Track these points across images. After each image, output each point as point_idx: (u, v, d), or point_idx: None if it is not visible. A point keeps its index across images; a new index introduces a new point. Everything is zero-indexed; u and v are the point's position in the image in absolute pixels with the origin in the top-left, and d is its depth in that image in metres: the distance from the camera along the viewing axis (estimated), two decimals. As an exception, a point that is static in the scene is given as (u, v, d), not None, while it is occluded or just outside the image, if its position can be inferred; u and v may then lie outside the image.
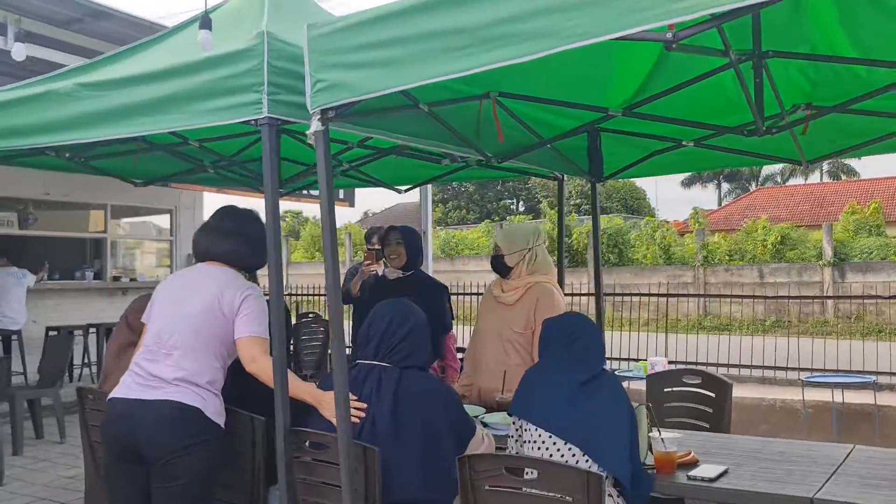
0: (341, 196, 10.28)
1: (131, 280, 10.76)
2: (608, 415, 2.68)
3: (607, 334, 9.93)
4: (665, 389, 4.13)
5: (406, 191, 5.48)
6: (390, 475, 2.65)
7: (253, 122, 2.70)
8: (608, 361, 9.30)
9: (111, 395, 2.91)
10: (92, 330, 9.59)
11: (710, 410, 3.92)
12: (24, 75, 4.51)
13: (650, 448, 2.85)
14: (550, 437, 2.67)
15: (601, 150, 4.46)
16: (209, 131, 3.83)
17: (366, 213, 46.16)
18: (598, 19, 1.96)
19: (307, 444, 2.79)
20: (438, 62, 2.30)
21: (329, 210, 2.58)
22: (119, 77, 3.08)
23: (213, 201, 12.79)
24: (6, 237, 9.73)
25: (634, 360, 9.08)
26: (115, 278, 10.70)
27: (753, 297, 12.50)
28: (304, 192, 6.95)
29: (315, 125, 2.54)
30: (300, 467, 2.78)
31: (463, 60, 2.25)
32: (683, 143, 4.02)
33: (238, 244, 3.10)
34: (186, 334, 2.88)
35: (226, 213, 3.22)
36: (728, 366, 9.13)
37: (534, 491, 2.33)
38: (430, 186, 9.14)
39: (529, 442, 2.73)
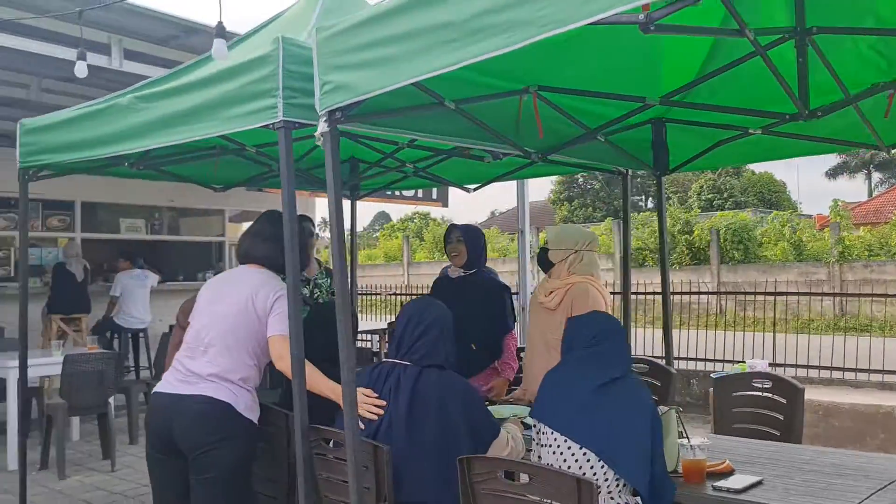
0: (434, 196, 10.36)
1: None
2: (627, 420, 2.56)
3: (723, 334, 9.57)
4: (734, 394, 3.89)
5: (475, 190, 5.45)
6: (403, 475, 2.64)
7: (270, 126, 2.78)
8: (716, 363, 8.86)
9: (154, 390, 3.08)
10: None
11: (781, 417, 3.66)
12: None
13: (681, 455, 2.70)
14: (566, 441, 2.58)
15: (667, 143, 4.27)
16: (262, 137, 3.97)
17: (492, 213, 46.24)
18: (565, 7, 1.88)
19: (331, 442, 2.83)
20: (429, 58, 2.28)
21: (337, 209, 2.59)
22: (164, 89, 3.26)
23: (324, 204, 13.21)
24: (136, 242, 10.50)
25: (740, 361, 8.57)
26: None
27: (885, 295, 11.47)
28: (389, 192, 7.04)
29: (322, 126, 2.58)
30: (323, 465, 2.83)
31: (452, 54, 2.23)
32: (750, 130, 3.77)
33: (275, 248, 3.20)
34: (222, 332, 3.00)
35: (267, 217, 3.33)
36: (856, 371, 8.39)
37: (530, 496, 2.26)
38: (527, 183, 9.05)
39: (546, 446, 2.65)
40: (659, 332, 8.38)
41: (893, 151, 3.59)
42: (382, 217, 62.49)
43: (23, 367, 4.51)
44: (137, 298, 9.38)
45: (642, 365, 4.08)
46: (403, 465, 2.65)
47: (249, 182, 5.26)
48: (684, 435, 2.70)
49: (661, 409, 2.74)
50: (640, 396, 2.64)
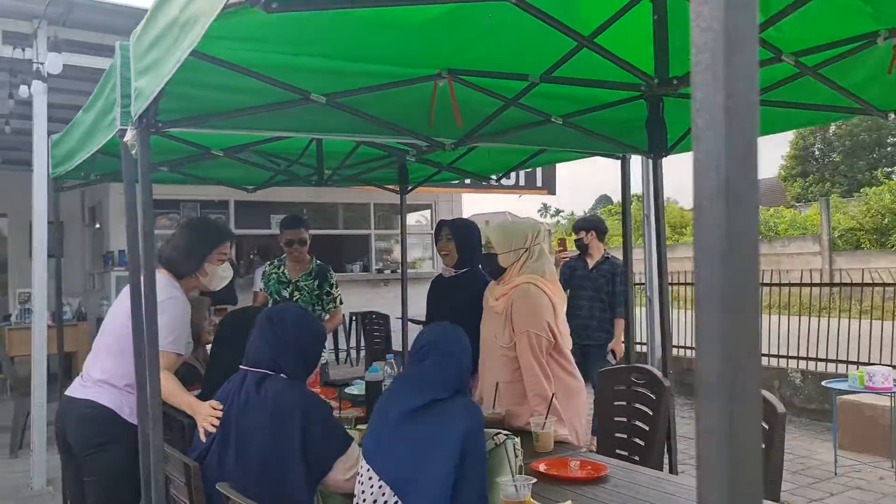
0: (539, 184, 9.86)
1: (392, 272, 11.63)
2: (430, 450, 2.24)
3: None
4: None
5: (499, 179, 5.11)
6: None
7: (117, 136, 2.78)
8: (841, 365, 7.53)
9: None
10: (353, 317, 10.63)
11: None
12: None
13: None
14: (369, 470, 2.31)
15: (664, 120, 3.68)
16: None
17: (601, 197, 43.14)
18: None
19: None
20: (173, 56, 2.15)
21: (144, 216, 2.53)
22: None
23: (470, 200, 13.17)
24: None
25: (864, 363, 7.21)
26: (379, 270, 11.67)
27: None
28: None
29: (129, 134, 2.53)
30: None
31: (179, 50, 2.08)
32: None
33: (175, 252, 3.22)
34: (111, 338, 3.09)
35: (182, 223, 3.36)
36: None
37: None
38: (638, 161, 8.38)
39: (359, 475, 2.39)
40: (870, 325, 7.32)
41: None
42: (604, 201, 61.32)
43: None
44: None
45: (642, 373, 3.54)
46: (224, 480, 2.53)
47: (269, 184, 5.37)
48: (512, 471, 2.30)
49: (496, 439, 2.36)
50: (454, 423, 2.29)
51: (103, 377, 3.04)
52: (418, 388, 2.37)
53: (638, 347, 9.38)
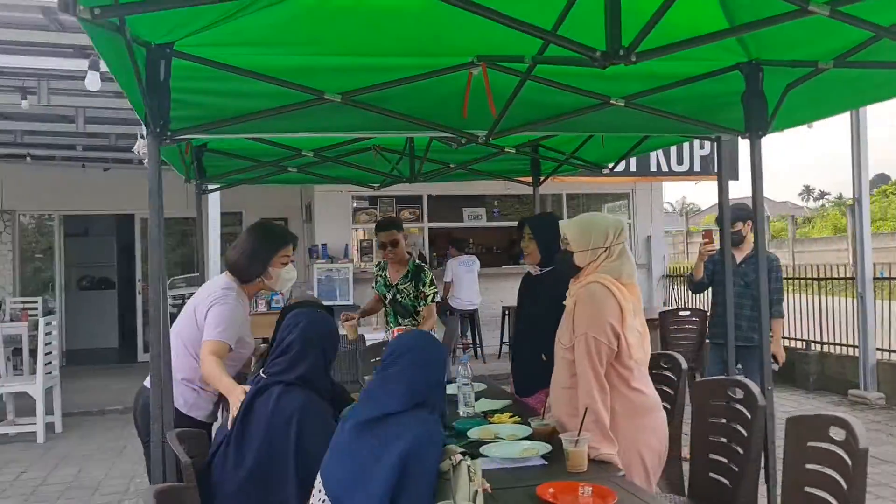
0: (715, 168, 8.74)
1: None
2: (371, 466, 2.11)
3: None
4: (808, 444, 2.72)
5: (612, 169, 4.68)
6: (218, 490, 2.59)
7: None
8: None
9: None
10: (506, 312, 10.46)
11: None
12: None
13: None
14: (320, 482, 2.23)
15: (764, 94, 3.14)
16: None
17: (806, 188, 36.10)
18: None
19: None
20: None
21: (158, 216, 2.65)
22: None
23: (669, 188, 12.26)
24: (476, 229, 11.34)
25: None
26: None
27: None
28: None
29: (140, 143, 2.68)
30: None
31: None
32: (820, 65, 2.60)
33: (240, 256, 3.37)
34: (174, 334, 3.31)
35: (248, 227, 3.51)
36: None
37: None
38: (865, 145, 7.28)
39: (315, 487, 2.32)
40: None
41: None
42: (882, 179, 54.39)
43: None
44: (464, 283, 10.16)
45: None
46: (224, 481, 2.60)
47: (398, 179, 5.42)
48: (468, 496, 2.08)
49: (452, 459, 2.17)
50: (398, 440, 2.13)
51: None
52: (374, 399, 2.25)
53: (833, 349, 8.23)
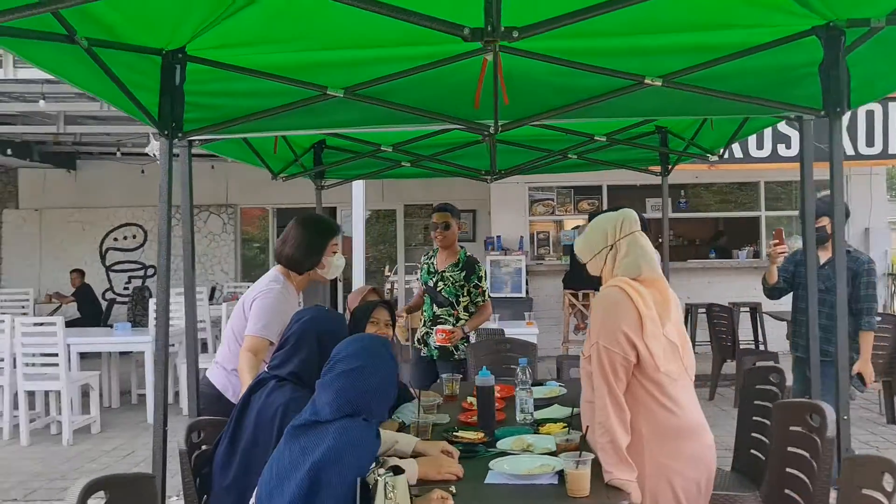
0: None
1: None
2: (288, 474, 2.06)
3: None
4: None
5: (721, 157, 4.09)
6: (216, 480, 2.66)
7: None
8: None
9: None
10: (744, 309, 9.59)
11: None
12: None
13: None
14: (256, 489, 2.21)
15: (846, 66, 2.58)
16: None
17: None
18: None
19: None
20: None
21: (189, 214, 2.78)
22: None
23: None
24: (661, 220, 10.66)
25: None
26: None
27: None
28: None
29: (153, 145, 2.82)
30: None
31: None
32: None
33: (293, 249, 3.45)
34: (228, 326, 3.46)
35: (294, 220, 3.58)
36: None
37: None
38: None
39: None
40: None
41: None
42: None
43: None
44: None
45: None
46: (220, 472, 2.67)
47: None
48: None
49: (376, 473, 2.03)
50: (314, 450, 2.04)
51: (219, 359, 3.45)
52: (311, 405, 2.18)
53: None
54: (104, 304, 11.92)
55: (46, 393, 7.49)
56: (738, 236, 11.18)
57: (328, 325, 2.79)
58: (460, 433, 3.22)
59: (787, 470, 2.91)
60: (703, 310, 8.75)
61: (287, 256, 3.47)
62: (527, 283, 10.00)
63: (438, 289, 4.83)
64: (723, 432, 6.77)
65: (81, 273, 11.40)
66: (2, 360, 6.95)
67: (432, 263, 4.96)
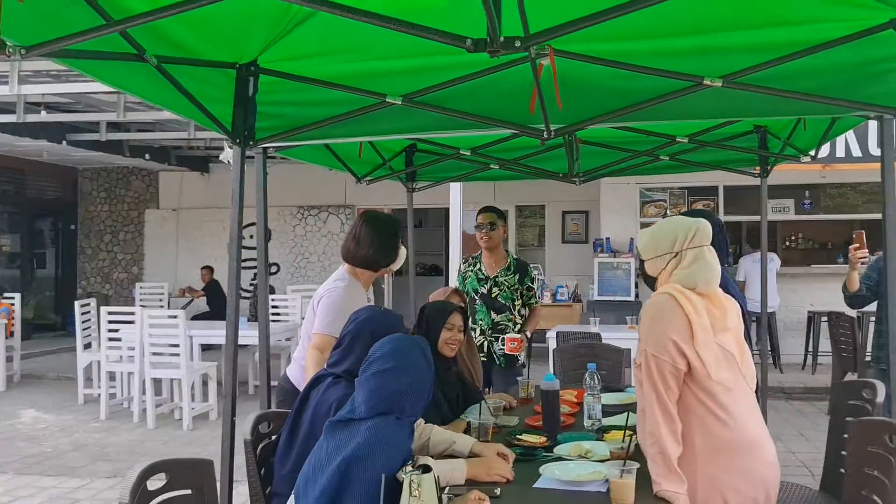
0: None
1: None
2: (321, 469, 2.17)
3: None
4: None
5: (814, 157, 3.82)
6: (276, 472, 2.81)
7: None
8: None
9: None
10: (873, 318, 9.00)
11: None
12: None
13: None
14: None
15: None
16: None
17: None
18: None
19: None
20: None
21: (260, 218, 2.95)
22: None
23: None
24: (783, 223, 10.15)
25: None
26: None
27: None
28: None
29: (227, 152, 3.01)
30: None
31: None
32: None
33: (359, 247, 3.58)
34: (303, 324, 3.63)
35: (360, 217, 3.72)
36: None
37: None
38: None
39: None
40: None
41: None
42: None
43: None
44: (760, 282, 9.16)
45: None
46: (280, 464, 2.81)
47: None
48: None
49: (405, 470, 2.10)
50: (345, 446, 2.13)
51: (296, 356, 3.62)
52: (350, 402, 2.27)
53: None
54: (233, 299, 12.66)
55: (172, 381, 8.06)
56: (874, 240, 10.44)
57: (382, 325, 2.88)
58: (523, 436, 3.24)
59: (862, 493, 2.73)
60: (826, 318, 8.26)
61: (364, 257, 3.58)
62: (636, 287, 9.77)
63: (494, 295, 4.74)
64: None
65: (211, 269, 12.17)
66: (133, 348, 7.57)
67: (480, 270, 4.82)
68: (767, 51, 2.54)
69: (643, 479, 2.48)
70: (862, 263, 4.23)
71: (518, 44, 1.69)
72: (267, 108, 2.98)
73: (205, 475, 2.49)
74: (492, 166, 5.01)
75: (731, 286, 3.29)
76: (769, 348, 9.50)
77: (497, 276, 4.74)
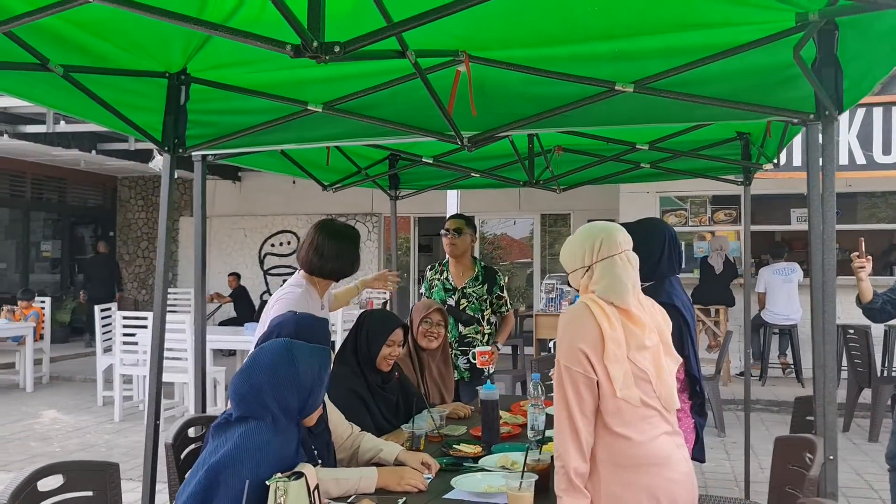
0: None
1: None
2: (195, 471, 2.17)
3: None
4: None
5: (777, 164, 3.67)
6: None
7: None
8: None
9: None
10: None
11: None
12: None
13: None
14: None
15: (838, 60, 2.30)
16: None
17: None
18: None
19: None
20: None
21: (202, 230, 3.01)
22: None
23: None
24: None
25: None
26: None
27: None
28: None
29: (158, 159, 3.06)
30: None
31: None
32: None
33: (312, 255, 3.60)
34: (257, 331, 3.66)
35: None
36: None
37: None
38: None
39: None
40: None
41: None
42: None
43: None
44: (781, 294, 8.90)
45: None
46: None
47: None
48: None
49: (275, 478, 2.09)
50: (217, 450, 2.13)
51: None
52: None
53: None
54: (258, 305, 12.86)
55: (184, 385, 8.22)
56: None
57: (301, 330, 2.87)
58: (461, 446, 3.20)
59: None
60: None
61: (331, 270, 3.56)
62: (655, 296, 9.56)
63: (462, 307, 4.60)
64: (845, 467, 6.11)
65: (237, 276, 12.39)
66: (146, 352, 7.75)
67: (447, 280, 4.68)
68: (679, 55, 2.46)
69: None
70: (860, 269, 4.05)
71: (338, 49, 1.67)
72: (198, 117, 3.03)
73: (109, 478, 2.52)
74: (473, 174, 4.99)
75: (676, 295, 3.18)
76: (791, 362, 9.21)
77: (465, 287, 4.60)
